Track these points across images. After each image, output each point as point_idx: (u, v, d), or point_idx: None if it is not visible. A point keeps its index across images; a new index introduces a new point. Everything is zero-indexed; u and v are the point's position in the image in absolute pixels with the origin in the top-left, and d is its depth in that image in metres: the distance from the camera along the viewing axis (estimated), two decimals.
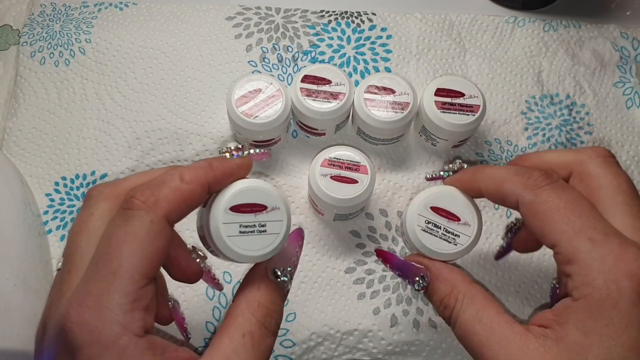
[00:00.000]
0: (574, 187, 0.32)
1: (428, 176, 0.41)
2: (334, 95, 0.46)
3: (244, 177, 0.32)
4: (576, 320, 0.28)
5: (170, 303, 0.36)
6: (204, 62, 0.54)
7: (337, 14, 0.57)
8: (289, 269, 0.33)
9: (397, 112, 0.46)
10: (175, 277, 0.33)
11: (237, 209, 0.30)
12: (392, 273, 0.48)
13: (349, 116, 0.49)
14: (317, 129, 0.49)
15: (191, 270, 0.33)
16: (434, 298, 0.35)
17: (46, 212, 0.49)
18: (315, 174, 0.43)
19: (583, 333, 0.27)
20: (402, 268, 0.37)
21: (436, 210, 0.37)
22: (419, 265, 0.36)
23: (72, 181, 0.51)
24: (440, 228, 0.37)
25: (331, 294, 0.47)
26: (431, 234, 0.37)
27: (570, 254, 0.29)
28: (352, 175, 0.43)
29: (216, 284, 0.40)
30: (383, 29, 0.57)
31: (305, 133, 0.51)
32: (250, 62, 0.54)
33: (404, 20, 0.57)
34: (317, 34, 0.56)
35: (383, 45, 0.56)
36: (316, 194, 0.43)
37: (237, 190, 0.31)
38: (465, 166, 0.38)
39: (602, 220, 0.30)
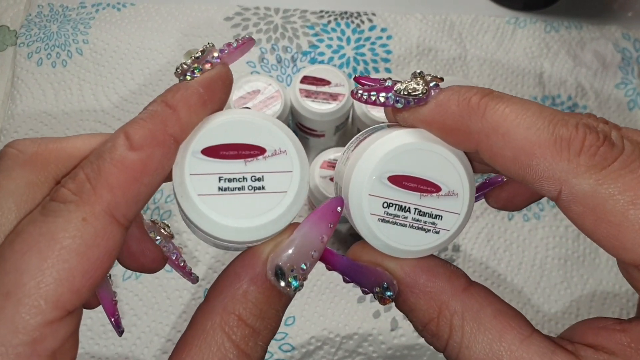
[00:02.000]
0: None
1: (360, 93, 0.22)
2: (334, 96, 0.46)
3: (224, 101, 0.22)
4: None
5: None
6: None
7: (336, 15, 0.57)
8: (303, 267, 0.20)
9: None
10: (126, 266, 0.24)
11: (214, 152, 0.20)
12: None
13: (348, 117, 0.49)
14: (317, 130, 0.49)
15: (147, 258, 0.23)
16: (412, 319, 0.22)
17: None
18: (315, 176, 0.43)
19: None
20: (351, 272, 0.22)
21: (398, 181, 0.21)
22: (378, 269, 0.22)
23: None
24: (409, 211, 0.21)
25: (331, 297, 0.47)
26: (395, 223, 0.21)
27: None
28: None
29: (188, 275, 0.26)
30: (383, 30, 0.56)
31: (304, 134, 0.51)
32: (249, 63, 0.54)
33: (404, 20, 0.57)
34: (316, 35, 0.56)
35: (383, 45, 0.55)
36: (315, 196, 0.43)
37: (215, 125, 0.20)
38: (441, 85, 0.21)
39: None
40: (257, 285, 0.20)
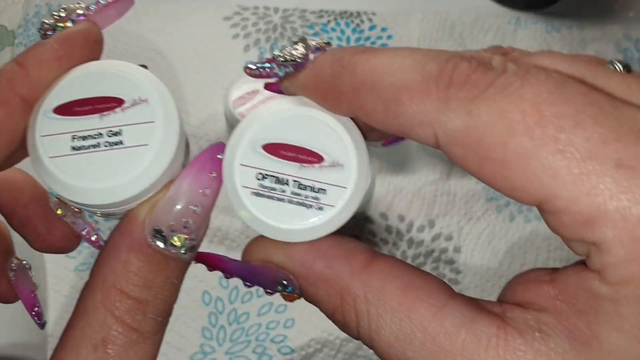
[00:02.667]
0: (552, 68, 0.17)
1: (252, 67, 0.20)
2: None
3: (87, 58, 0.20)
4: (617, 316, 0.15)
5: (11, 271, 0.23)
6: (200, 63, 0.54)
7: (336, 14, 0.57)
8: (186, 225, 0.18)
9: None
10: (37, 248, 0.23)
11: (67, 109, 0.18)
12: None
13: None
14: None
15: (55, 237, 0.22)
16: (321, 310, 0.20)
17: None
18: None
19: (636, 338, 0.15)
20: (246, 275, 0.20)
21: (275, 150, 0.19)
22: (271, 267, 0.20)
23: None
24: (287, 184, 0.19)
25: None
26: (271, 197, 0.19)
27: (586, 210, 0.15)
28: None
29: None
30: (383, 29, 0.56)
31: None
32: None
33: (404, 20, 0.57)
34: (316, 34, 0.55)
35: (383, 45, 0.55)
36: None
37: (68, 80, 0.18)
38: (328, 48, 0.19)
39: (638, 117, 0.15)
40: (137, 252, 0.18)
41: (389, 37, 0.56)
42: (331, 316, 0.19)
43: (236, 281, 0.47)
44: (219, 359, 0.44)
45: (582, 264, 0.16)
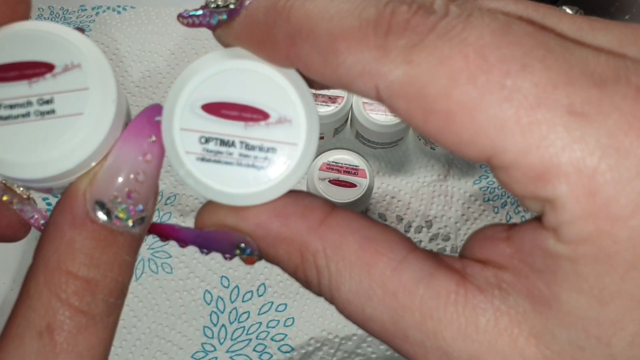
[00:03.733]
0: (498, 10, 0.16)
1: (184, 15, 0.19)
2: (332, 99, 0.46)
3: (16, 12, 0.18)
4: (576, 276, 0.14)
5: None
6: None
7: None
8: (130, 195, 0.17)
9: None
10: None
11: (214, 109, 0.18)
12: None
13: (347, 120, 0.49)
14: None
15: (1, 225, 0.20)
16: (283, 269, 0.19)
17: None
18: (314, 178, 0.43)
19: (596, 299, 0.14)
20: (202, 242, 0.19)
21: (216, 109, 0.18)
22: (227, 231, 0.19)
23: None
24: (233, 145, 0.18)
25: None
26: (218, 161, 0.18)
27: (537, 163, 0.14)
28: (350, 179, 0.43)
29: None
30: None
31: None
32: None
33: None
34: None
35: None
36: None
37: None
38: None
39: (590, 58, 0.14)
40: (81, 229, 0.16)
41: None
42: (293, 274, 0.18)
43: (237, 281, 0.47)
44: (220, 358, 0.45)
45: (538, 220, 0.15)
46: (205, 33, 0.56)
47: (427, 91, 0.14)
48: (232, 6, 0.17)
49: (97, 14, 0.57)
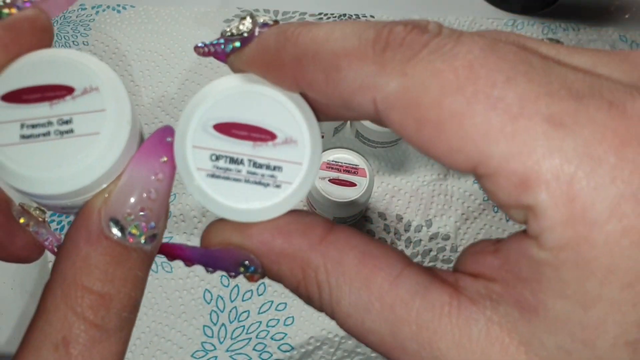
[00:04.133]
0: (483, 35, 0.16)
1: (200, 45, 0.20)
2: None
3: (35, 45, 0.19)
4: (559, 283, 0.15)
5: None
6: (201, 65, 0.54)
7: (335, 17, 0.57)
8: (141, 214, 0.18)
9: None
10: None
11: (16, 97, 0.18)
12: None
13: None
14: None
15: (16, 246, 0.21)
16: (286, 286, 0.19)
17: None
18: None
19: (579, 304, 0.15)
20: (207, 261, 0.20)
21: (227, 129, 0.19)
22: (231, 249, 0.19)
23: None
24: (242, 163, 0.19)
25: None
26: (227, 178, 0.18)
27: (519, 169, 0.14)
28: (350, 179, 0.43)
29: None
30: None
31: None
32: None
33: None
34: None
35: None
36: (314, 197, 0.43)
37: (16, 67, 0.18)
38: (271, 22, 0.19)
39: (568, 75, 0.15)
40: (96, 245, 0.17)
41: None
42: (295, 290, 0.19)
43: (237, 279, 0.47)
44: (220, 357, 0.45)
45: (523, 232, 0.16)
46: (204, 32, 0.56)
47: (420, 101, 0.15)
48: (245, 34, 0.18)
49: (97, 12, 0.56)
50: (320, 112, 0.19)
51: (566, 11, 0.60)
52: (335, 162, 0.43)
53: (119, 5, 0.57)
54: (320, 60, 0.16)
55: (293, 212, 0.19)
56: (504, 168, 0.14)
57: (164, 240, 0.20)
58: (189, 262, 0.20)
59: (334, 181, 0.43)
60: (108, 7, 0.57)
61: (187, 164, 0.18)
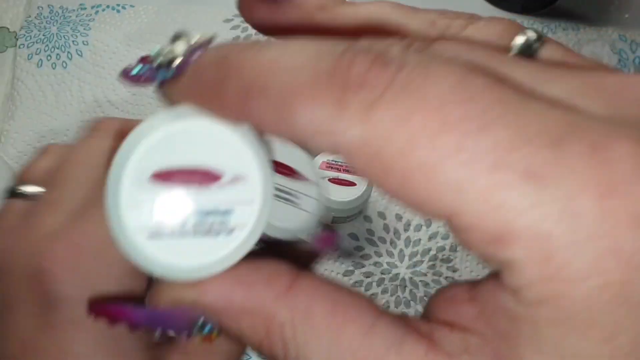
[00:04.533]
0: (456, 57, 0.15)
1: (126, 76, 0.17)
2: None
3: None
4: (537, 339, 0.14)
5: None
6: None
7: None
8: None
9: None
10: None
11: (163, 177, 0.16)
12: (390, 275, 0.47)
13: None
14: None
15: None
16: (247, 344, 0.17)
17: None
18: None
19: (557, 358, 0.14)
20: (156, 322, 0.18)
21: (164, 177, 0.16)
22: (183, 307, 0.17)
23: None
24: (186, 214, 0.16)
25: None
26: (171, 234, 0.16)
27: (494, 227, 0.13)
28: (350, 178, 0.43)
29: None
30: None
31: None
32: None
33: None
34: None
35: None
36: None
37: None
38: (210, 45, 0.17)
39: (546, 114, 0.14)
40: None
41: None
42: (257, 349, 0.17)
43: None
44: None
45: (497, 278, 0.15)
46: (205, 32, 0.56)
47: (384, 151, 0.13)
48: (177, 62, 0.16)
49: (96, 12, 0.56)
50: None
51: (566, 11, 0.60)
52: (335, 161, 0.43)
53: (118, 5, 0.57)
54: (269, 96, 0.14)
55: (254, 260, 0.17)
56: (477, 224, 0.13)
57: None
58: (133, 326, 0.18)
59: (334, 181, 0.43)
60: (108, 6, 0.57)
61: (123, 227, 0.16)
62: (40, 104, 0.53)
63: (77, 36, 0.55)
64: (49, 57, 0.54)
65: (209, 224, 0.16)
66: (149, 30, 0.56)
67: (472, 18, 0.18)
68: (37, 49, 0.55)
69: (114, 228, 0.16)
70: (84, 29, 0.55)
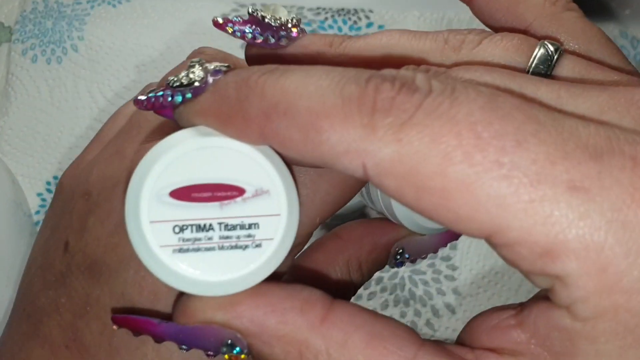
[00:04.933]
0: (479, 81, 0.16)
1: (142, 99, 0.18)
2: None
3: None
4: (596, 355, 0.14)
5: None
6: None
7: (333, 11, 0.57)
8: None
9: None
10: None
11: (186, 194, 0.16)
12: (389, 274, 0.47)
13: None
14: None
15: None
16: None
17: (38, 212, 0.49)
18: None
19: None
20: (184, 338, 0.18)
21: (185, 194, 0.16)
22: (214, 327, 0.17)
23: None
24: (212, 229, 0.16)
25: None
26: (197, 249, 0.16)
27: (543, 240, 0.13)
28: None
29: None
30: (380, 27, 0.56)
31: None
32: None
33: (401, 18, 0.57)
34: (313, 32, 0.55)
35: None
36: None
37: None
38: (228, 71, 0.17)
39: (580, 129, 0.14)
40: None
41: None
42: None
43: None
44: None
45: (546, 299, 0.15)
46: (202, 27, 0.55)
47: (419, 169, 0.14)
48: (197, 84, 0.16)
49: (92, 7, 0.56)
50: (291, 163, 0.17)
51: None
52: None
53: (114, 0, 0.56)
54: (295, 118, 0.15)
55: (286, 286, 0.17)
56: (525, 239, 0.13)
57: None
58: (159, 339, 0.18)
59: None
60: (103, 1, 0.56)
61: (147, 244, 0.16)
62: (35, 100, 0.52)
63: (72, 31, 0.54)
64: (44, 53, 0.54)
65: (236, 237, 0.16)
66: (146, 25, 0.55)
67: (484, 32, 0.18)
68: (32, 44, 0.54)
69: (137, 244, 0.16)
70: (80, 24, 0.55)
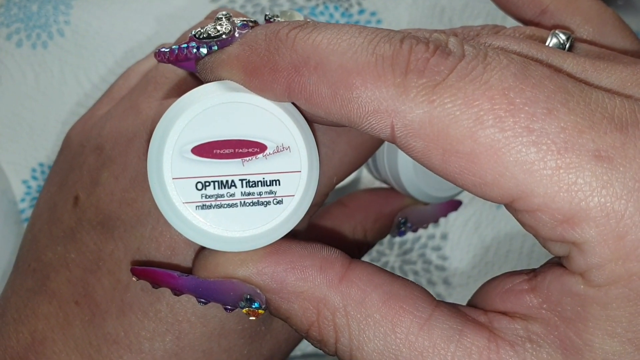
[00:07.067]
0: (508, 49, 0.16)
1: (165, 50, 0.18)
2: None
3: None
4: (608, 321, 0.14)
5: None
6: None
7: (328, 5, 0.56)
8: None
9: None
10: None
11: (208, 151, 0.16)
12: (379, 263, 0.47)
13: None
14: None
15: None
16: (292, 326, 0.18)
17: (23, 200, 0.48)
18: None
19: (630, 342, 0.14)
20: (203, 292, 0.18)
21: (207, 150, 0.16)
22: (234, 281, 0.17)
23: (50, 168, 0.49)
24: (233, 185, 0.16)
25: None
26: (220, 206, 0.16)
27: (566, 207, 0.13)
28: None
29: None
30: (372, 14, 0.55)
31: None
32: None
33: (394, 4, 0.56)
34: (306, 17, 0.55)
35: None
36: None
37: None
38: (251, 24, 0.17)
39: (606, 101, 0.14)
40: None
41: (378, 21, 0.55)
42: (305, 331, 0.17)
43: None
44: None
45: (560, 265, 0.15)
46: (190, 12, 0.54)
47: (449, 132, 0.14)
48: (224, 36, 0.16)
49: None
50: (313, 121, 0.18)
51: None
52: None
53: None
54: (327, 73, 0.15)
55: (307, 244, 0.17)
56: (548, 204, 0.14)
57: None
58: (178, 291, 0.18)
59: None
60: None
61: (170, 200, 0.16)
62: (20, 85, 0.51)
63: (58, 15, 0.53)
64: (29, 37, 0.53)
65: (257, 194, 0.16)
66: (134, 10, 0.54)
67: (497, 27, 0.19)
68: (17, 28, 0.53)
69: (160, 200, 0.16)
70: (66, 8, 0.54)
